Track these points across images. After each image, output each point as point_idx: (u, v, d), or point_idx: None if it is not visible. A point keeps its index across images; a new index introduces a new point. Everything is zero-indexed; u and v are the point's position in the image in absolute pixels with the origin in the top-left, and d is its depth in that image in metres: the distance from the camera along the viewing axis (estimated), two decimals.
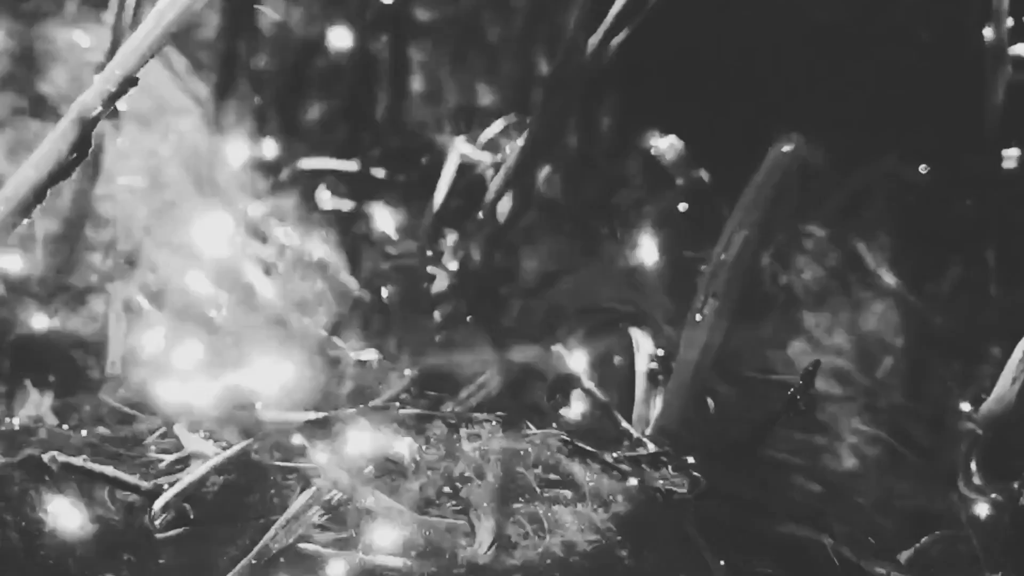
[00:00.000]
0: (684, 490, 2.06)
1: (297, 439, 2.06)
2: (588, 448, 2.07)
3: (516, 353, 2.26)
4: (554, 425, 2.14)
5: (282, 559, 1.94)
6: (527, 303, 2.34)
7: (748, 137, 2.30)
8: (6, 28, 2.50)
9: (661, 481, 2.07)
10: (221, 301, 2.28)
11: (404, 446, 2.02)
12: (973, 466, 2.18)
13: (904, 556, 2.06)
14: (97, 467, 2.01)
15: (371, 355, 2.26)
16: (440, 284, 2.34)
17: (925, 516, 2.14)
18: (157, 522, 1.98)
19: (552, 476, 2.04)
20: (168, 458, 2.05)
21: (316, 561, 1.94)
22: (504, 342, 2.28)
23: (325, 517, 1.98)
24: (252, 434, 2.08)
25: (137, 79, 1.81)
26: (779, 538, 2.06)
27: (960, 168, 2.52)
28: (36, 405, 2.13)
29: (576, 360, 2.24)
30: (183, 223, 2.35)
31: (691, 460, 2.10)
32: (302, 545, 1.95)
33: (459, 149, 2.46)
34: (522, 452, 2.05)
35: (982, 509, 2.14)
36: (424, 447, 2.03)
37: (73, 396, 2.16)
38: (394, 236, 2.40)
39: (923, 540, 2.08)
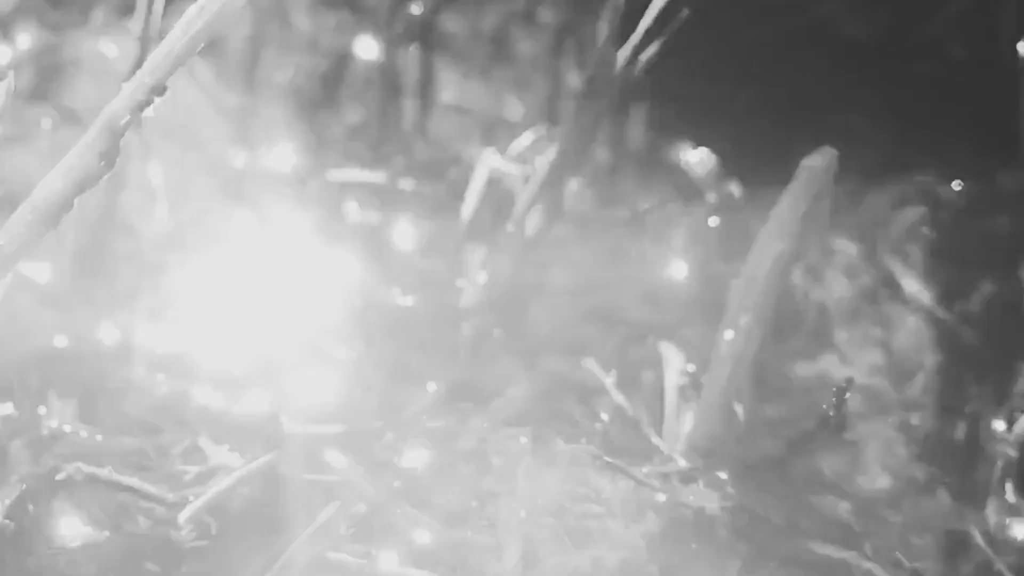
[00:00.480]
0: (715, 507, 2.05)
1: (323, 452, 2.06)
2: (618, 463, 2.07)
3: (545, 367, 2.26)
4: (584, 440, 2.13)
5: (307, 571, 1.93)
6: (557, 317, 2.34)
7: (780, 151, 2.29)
8: (33, 37, 2.51)
9: (691, 497, 2.06)
10: (247, 313, 2.28)
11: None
12: (1007, 486, 2.17)
13: None
14: (123, 479, 2.01)
15: (397, 368, 2.27)
16: (469, 297, 2.34)
17: (957, 536, 2.13)
18: (182, 534, 1.98)
19: (581, 491, 2.04)
20: (193, 470, 2.06)
21: (341, 574, 1.94)
22: (533, 356, 2.28)
23: (351, 530, 1.97)
24: (278, 446, 2.08)
25: (165, 88, 1.80)
26: (810, 556, 2.06)
27: (994, 184, 2.51)
28: (61, 416, 2.13)
29: (606, 375, 2.23)
30: (209, 234, 2.35)
31: (722, 476, 2.10)
32: (327, 555, 1.95)
33: (488, 162, 2.46)
34: (551, 467, 2.04)
35: (1017, 530, 2.13)
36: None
37: (98, 407, 2.15)
38: (423, 249, 2.40)
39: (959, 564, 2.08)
